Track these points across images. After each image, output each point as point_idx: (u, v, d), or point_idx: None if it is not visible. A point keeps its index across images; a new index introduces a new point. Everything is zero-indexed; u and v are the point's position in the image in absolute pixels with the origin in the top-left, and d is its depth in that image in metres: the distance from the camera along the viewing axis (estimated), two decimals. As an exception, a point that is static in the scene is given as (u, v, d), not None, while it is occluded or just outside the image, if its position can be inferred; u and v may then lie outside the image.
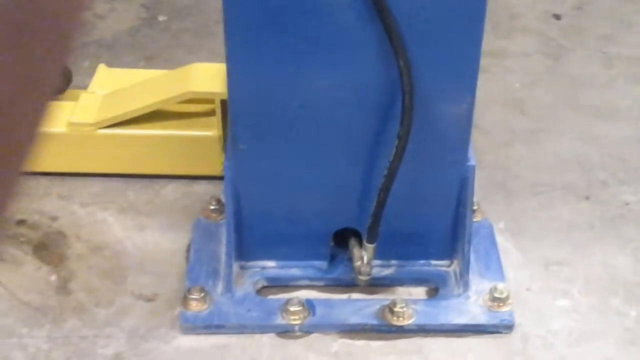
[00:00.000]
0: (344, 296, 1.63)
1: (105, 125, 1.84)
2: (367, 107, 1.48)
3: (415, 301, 1.59)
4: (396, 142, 1.45)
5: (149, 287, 1.63)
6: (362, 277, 1.57)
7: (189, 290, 1.57)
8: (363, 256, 1.56)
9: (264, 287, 1.64)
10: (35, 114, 0.55)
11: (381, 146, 1.51)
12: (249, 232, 1.61)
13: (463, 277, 1.61)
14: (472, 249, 1.63)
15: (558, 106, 2.17)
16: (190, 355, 1.51)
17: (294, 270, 1.65)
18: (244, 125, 1.51)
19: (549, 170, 1.96)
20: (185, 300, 1.56)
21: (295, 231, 1.62)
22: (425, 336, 1.55)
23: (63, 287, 1.63)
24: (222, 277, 1.60)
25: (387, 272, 1.65)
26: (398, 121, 1.44)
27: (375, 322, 1.55)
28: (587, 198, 1.88)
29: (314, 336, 1.55)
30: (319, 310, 1.57)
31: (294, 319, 1.55)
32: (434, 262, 1.66)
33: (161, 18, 2.48)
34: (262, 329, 1.55)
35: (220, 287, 1.59)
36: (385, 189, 1.48)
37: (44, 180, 1.87)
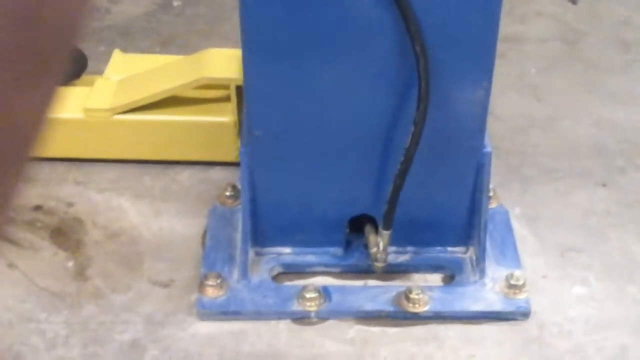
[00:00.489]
0: (360, 283, 1.63)
1: (120, 111, 1.85)
2: (383, 93, 1.48)
3: (431, 288, 1.59)
4: (412, 129, 1.44)
5: (165, 273, 1.64)
6: (378, 264, 1.58)
7: (205, 277, 1.57)
8: (379, 243, 1.56)
9: (280, 274, 1.64)
10: (43, 99, 0.54)
11: (397, 133, 1.50)
12: (265, 219, 1.62)
13: (479, 263, 1.61)
14: (487, 235, 1.62)
15: (574, 92, 2.16)
16: (207, 341, 1.51)
17: (309, 256, 1.65)
18: (259, 111, 1.51)
19: (566, 157, 1.95)
20: (201, 287, 1.57)
21: (311, 217, 1.62)
22: (441, 323, 1.55)
23: (80, 273, 1.64)
24: (238, 263, 1.60)
25: (402, 258, 1.65)
26: (414, 107, 1.44)
27: (391, 308, 1.55)
28: (604, 184, 1.87)
29: (330, 322, 1.55)
30: (335, 297, 1.57)
31: (310, 306, 1.55)
32: (450, 248, 1.66)
33: (176, 3, 2.48)
34: (278, 315, 1.55)
35: (236, 274, 1.60)
36: (401, 176, 1.48)
37: (60, 166, 1.88)
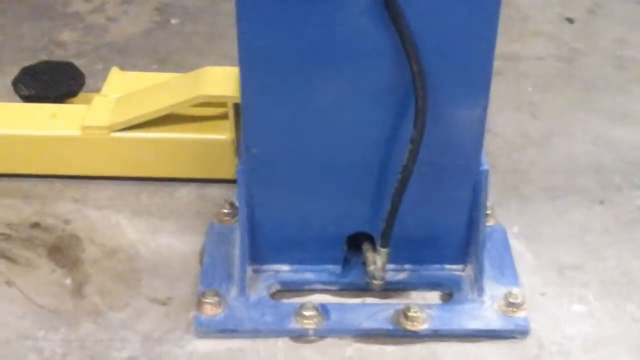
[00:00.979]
0: (358, 300, 1.62)
1: (118, 128, 1.85)
2: (380, 111, 1.48)
3: (430, 306, 1.59)
4: (409, 146, 1.45)
5: (163, 290, 1.63)
6: (376, 282, 1.57)
7: (203, 294, 1.57)
8: (377, 260, 1.56)
9: (278, 291, 1.64)
10: None
11: (394, 151, 1.51)
12: (263, 236, 1.61)
13: (477, 281, 1.60)
14: (485, 253, 1.62)
15: (571, 110, 2.17)
16: (204, 359, 1.51)
17: (307, 274, 1.65)
18: (257, 129, 1.51)
19: (563, 175, 1.95)
20: (199, 304, 1.56)
21: (308, 235, 1.62)
22: (440, 341, 1.55)
23: (78, 291, 1.63)
24: (236, 281, 1.60)
25: (400, 276, 1.65)
26: (411, 125, 1.44)
27: (389, 326, 1.55)
28: (602, 202, 1.88)
29: (328, 341, 1.55)
30: (333, 315, 1.57)
31: (308, 324, 1.54)
32: (447, 266, 1.66)
33: (174, 21, 2.49)
34: (277, 333, 1.55)
35: (234, 291, 1.59)
36: (399, 193, 1.48)
37: (57, 184, 1.88)
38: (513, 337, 1.55)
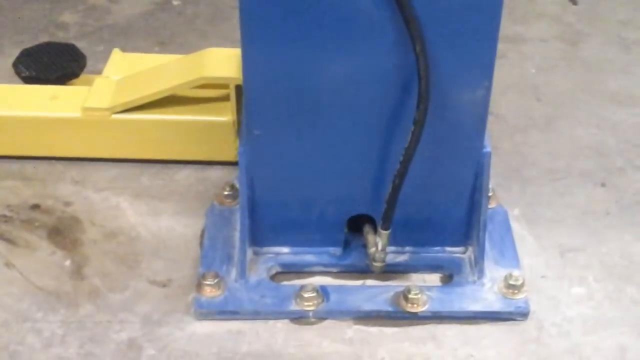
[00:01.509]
0: (358, 282, 1.62)
1: (119, 110, 1.84)
2: (383, 93, 1.47)
3: (430, 288, 1.58)
4: (412, 128, 1.44)
5: (163, 272, 1.63)
6: (377, 264, 1.57)
7: (203, 276, 1.57)
8: (377, 243, 1.56)
9: (278, 273, 1.64)
10: None
11: (397, 132, 1.50)
12: (263, 218, 1.61)
13: (478, 263, 1.60)
14: (487, 235, 1.62)
15: (574, 92, 2.16)
16: (204, 340, 1.51)
17: (308, 256, 1.64)
18: (259, 110, 1.51)
19: (565, 157, 1.94)
20: (199, 286, 1.56)
21: (309, 217, 1.62)
22: (440, 323, 1.55)
23: (77, 272, 1.63)
24: (236, 262, 1.60)
25: (401, 258, 1.64)
26: (414, 107, 1.43)
27: (389, 308, 1.55)
28: (603, 185, 1.87)
29: (328, 322, 1.55)
30: (333, 297, 1.56)
31: (308, 305, 1.54)
32: (448, 248, 1.66)
33: (175, 2, 2.48)
34: (276, 315, 1.55)
35: (234, 273, 1.59)
36: (401, 176, 1.48)
37: (58, 165, 1.88)
38: (513, 319, 1.55)
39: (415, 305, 1.54)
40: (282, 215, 1.62)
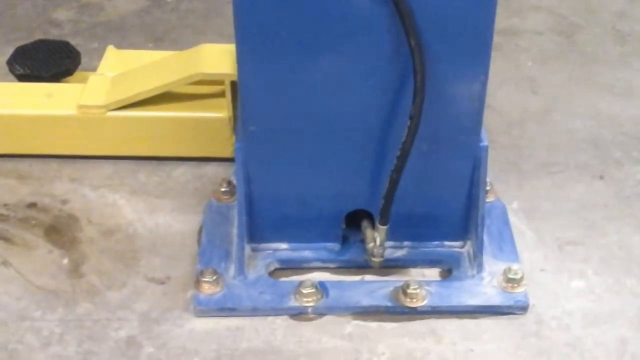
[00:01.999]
0: (357, 278, 1.62)
1: (114, 107, 1.83)
2: (378, 88, 1.47)
3: (429, 282, 1.58)
4: (408, 123, 1.43)
5: (161, 269, 1.63)
6: (375, 259, 1.57)
7: (201, 273, 1.56)
8: (376, 238, 1.55)
9: (277, 270, 1.63)
10: None
11: (393, 127, 1.50)
12: (261, 214, 1.61)
13: (477, 258, 1.60)
14: (485, 229, 1.62)
15: (571, 84, 2.15)
16: (203, 337, 1.50)
17: (306, 252, 1.64)
18: (254, 106, 1.50)
19: (563, 150, 1.94)
20: (197, 283, 1.56)
21: (307, 213, 1.61)
22: (439, 318, 1.54)
23: (75, 271, 1.63)
24: (235, 259, 1.59)
25: (400, 253, 1.64)
26: (410, 101, 1.43)
27: (388, 303, 1.54)
28: (602, 177, 1.87)
29: (327, 318, 1.54)
30: (332, 293, 1.56)
31: (307, 301, 1.54)
32: (447, 243, 1.65)
33: (169, -1, 2.47)
34: (275, 311, 1.54)
35: (232, 270, 1.59)
36: (398, 170, 1.47)
37: (54, 163, 1.87)
38: (512, 313, 1.55)
39: (414, 300, 1.54)
40: (280, 211, 1.61)
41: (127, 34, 2.31)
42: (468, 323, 1.54)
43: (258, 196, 1.59)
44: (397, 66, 1.44)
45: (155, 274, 1.62)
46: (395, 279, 1.60)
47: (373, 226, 1.58)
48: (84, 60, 2.02)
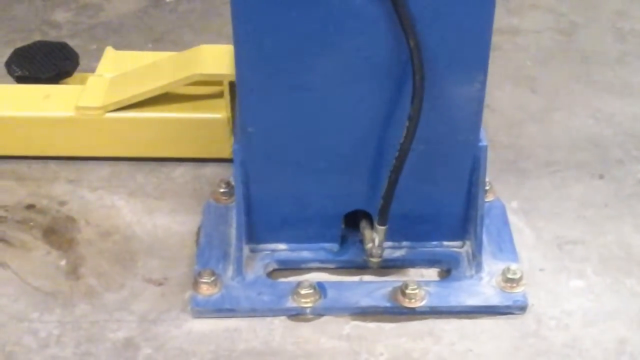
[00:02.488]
0: (356, 278, 1.61)
1: (113, 108, 1.83)
2: (377, 88, 1.46)
3: (427, 283, 1.57)
4: (407, 123, 1.43)
5: (159, 271, 1.63)
6: (374, 259, 1.56)
7: (199, 274, 1.56)
8: (374, 238, 1.55)
9: (275, 270, 1.63)
10: None
11: (392, 127, 1.49)
12: (259, 215, 1.60)
13: (475, 258, 1.59)
14: (484, 229, 1.61)
15: (570, 83, 2.15)
16: (201, 339, 1.50)
17: (304, 252, 1.64)
18: (252, 107, 1.50)
19: (562, 149, 1.94)
20: (195, 284, 1.55)
21: (305, 213, 1.61)
22: (438, 318, 1.54)
23: (73, 272, 1.63)
24: (233, 260, 1.59)
25: (398, 253, 1.64)
26: (409, 102, 1.42)
27: (387, 304, 1.54)
28: (601, 176, 1.86)
29: (326, 319, 1.54)
30: (330, 293, 1.56)
31: (305, 302, 1.54)
32: (446, 243, 1.65)
33: (168, -1, 2.47)
34: (274, 312, 1.54)
35: (230, 271, 1.58)
36: (396, 170, 1.47)
37: (52, 165, 1.87)
38: (511, 313, 1.54)
39: (413, 301, 1.53)
40: (278, 212, 1.61)
41: (125, 34, 2.31)
42: (467, 323, 1.53)
43: (256, 197, 1.59)
44: (396, 66, 1.44)
45: (153, 275, 1.62)
46: (394, 279, 1.60)
47: (372, 226, 1.57)
48: (82, 61, 2.02)
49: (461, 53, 1.43)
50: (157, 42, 2.27)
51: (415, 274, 1.63)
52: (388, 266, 1.62)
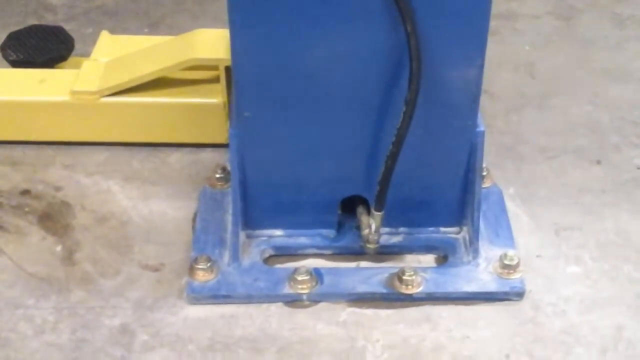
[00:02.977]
0: (352, 264, 1.61)
1: (108, 93, 1.82)
2: (374, 73, 1.46)
3: (424, 269, 1.57)
4: (404, 108, 1.42)
5: (155, 257, 1.62)
6: (370, 245, 1.56)
7: (195, 260, 1.55)
8: (371, 224, 1.55)
9: (271, 256, 1.62)
10: None
11: (389, 112, 1.48)
12: (256, 201, 1.60)
13: (472, 244, 1.59)
14: (481, 215, 1.61)
15: (569, 69, 2.14)
16: (197, 325, 1.50)
17: (301, 238, 1.63)
18: (249, 92, 1.49)
19: (560, 135, 1.93)
20: (191, 270, 1.55)
21: (302, 199, 1.60)
22: (435, 304, 1.53)
23: (68, 258, 1.62)
24: (229, 246, 1.58)
25: (395, 239, 1.63)
26: (406, 86, 1.41)
27: (383, 290, 1.54)
28: (599, 162, 1.86)
29: (322, 305, 1.54)
30: (327, 279, 1.55)
31: (302, 288, 1.53)
32: (443, 229, 1.64)
33: (164, -17, 2.45)
34: (270, 298, 1.53)
35: (227, 257, 1.58)
36: (393, 156, 1.46)
37: (47, 150, 1.86)
38: (508, 299, 1.54)
39: (409, 287, 1.53)
40: (275, 198, 1.60)
41: (121, 19, 2.29)
42: (464, 309, 1.53)
43: (253, 182, 1.58)
44: (392, 51, 1.43)
45: (149, 262, 1.61)
46: (391, 266, 1.59)
47: (368, 212, 1.57)
48: (77, 45, 2.01)
49: (459, 37, 1.42)
50: (154, 27, 2.26)
51: (412, 260, 1.62)
52: (385, 252, 1.61)
